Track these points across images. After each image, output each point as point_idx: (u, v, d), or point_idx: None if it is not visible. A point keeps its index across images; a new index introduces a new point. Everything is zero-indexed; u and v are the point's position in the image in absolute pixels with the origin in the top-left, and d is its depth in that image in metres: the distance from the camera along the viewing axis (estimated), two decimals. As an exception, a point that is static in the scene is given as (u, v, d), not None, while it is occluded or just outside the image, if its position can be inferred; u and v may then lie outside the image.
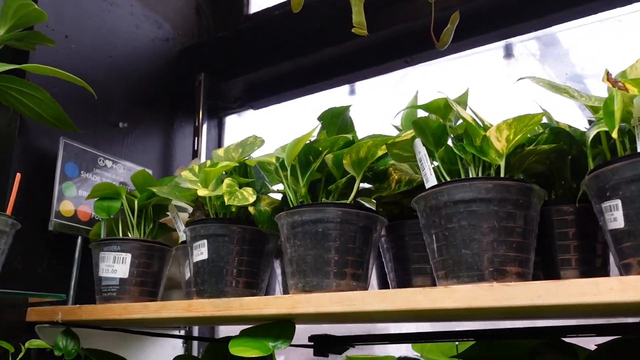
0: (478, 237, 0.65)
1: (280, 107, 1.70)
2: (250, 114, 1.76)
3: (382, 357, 0.67)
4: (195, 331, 1.45)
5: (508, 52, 1.37)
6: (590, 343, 0.77)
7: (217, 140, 1.74)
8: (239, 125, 1.79)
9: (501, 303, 0.61)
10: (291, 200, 0.84)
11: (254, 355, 0.78)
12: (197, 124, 1.61)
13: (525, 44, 1.37)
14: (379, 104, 1.50)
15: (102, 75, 1.37)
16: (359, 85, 1.57)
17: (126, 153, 1.39)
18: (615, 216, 0.60)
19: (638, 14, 1.22)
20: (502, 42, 1.36)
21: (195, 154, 1.57)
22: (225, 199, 0.84)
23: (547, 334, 0.76)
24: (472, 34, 1.29)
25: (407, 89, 1.50)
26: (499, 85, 1.33)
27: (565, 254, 0.73)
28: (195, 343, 1.41)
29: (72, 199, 1.17)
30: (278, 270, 1.09)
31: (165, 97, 1.56)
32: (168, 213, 1.16)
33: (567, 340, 0.77)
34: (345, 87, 1.58)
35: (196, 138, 1.60)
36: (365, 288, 0.79)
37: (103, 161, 1.26)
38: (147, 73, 1.51)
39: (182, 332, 1.37)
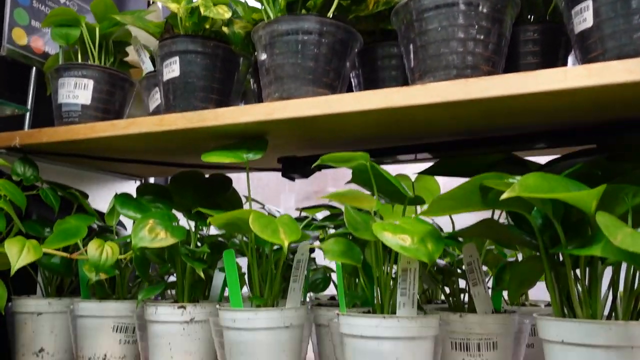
0: (458, 36, 0.68)
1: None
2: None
3: (356, 154, 0.71)
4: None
5: None
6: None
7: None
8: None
9: (476, 95, 0.65)
10: (270, 16, 0.83)
11: (228, 161, 0.81)
12: (151, -23, 1.54)
13: None
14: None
15: None
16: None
17: (77, -7, 1.32)
18: (585, 17, 0.64)
19: None
20: None
21: (148, 4, 1.51)
22: (202, 10, 0.83)
23: (502, 143, 0.82)
24: None
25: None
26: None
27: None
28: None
29: (25, 28, 1.11)
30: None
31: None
32: (128, 50, 1.13)
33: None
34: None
35: (150, -10, 1.53)
36: (341, 100, 0.81)
37: (55, -6, 1.19)
38: None
39: (140, 182, 1.38)
